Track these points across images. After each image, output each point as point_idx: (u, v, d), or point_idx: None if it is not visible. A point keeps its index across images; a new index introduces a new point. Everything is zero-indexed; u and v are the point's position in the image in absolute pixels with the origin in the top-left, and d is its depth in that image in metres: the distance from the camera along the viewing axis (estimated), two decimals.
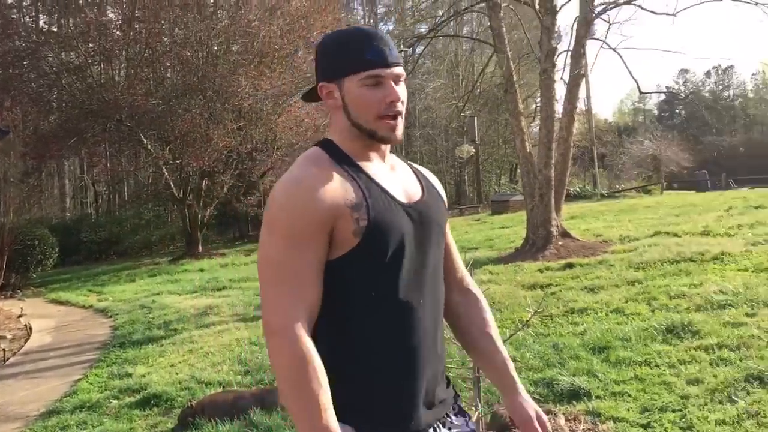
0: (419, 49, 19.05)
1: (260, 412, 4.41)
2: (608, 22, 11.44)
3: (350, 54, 1.47)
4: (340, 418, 1.33)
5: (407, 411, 1.43)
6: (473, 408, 3.04)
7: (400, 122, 1.49)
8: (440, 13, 18.57)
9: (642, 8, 11.46)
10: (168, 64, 18.01)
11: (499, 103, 27.58)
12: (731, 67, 65.67)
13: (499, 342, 1.66)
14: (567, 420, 3.69)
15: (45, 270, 15.69)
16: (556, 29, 10.72)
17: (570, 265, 8.27)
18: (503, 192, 27.10)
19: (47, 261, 15.31)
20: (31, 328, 9.07)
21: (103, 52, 17.60)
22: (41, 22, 22.79)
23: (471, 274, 1.81)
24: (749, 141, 57.39)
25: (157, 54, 17.46)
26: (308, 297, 1.38)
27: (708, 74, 67.08)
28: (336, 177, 1.42)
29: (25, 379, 6.55)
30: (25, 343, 8.33)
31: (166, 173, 17.68)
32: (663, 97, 65.09)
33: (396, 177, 1.54)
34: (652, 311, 5.78)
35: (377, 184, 1.46)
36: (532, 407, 1.59)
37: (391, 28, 34.41)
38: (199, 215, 18.47)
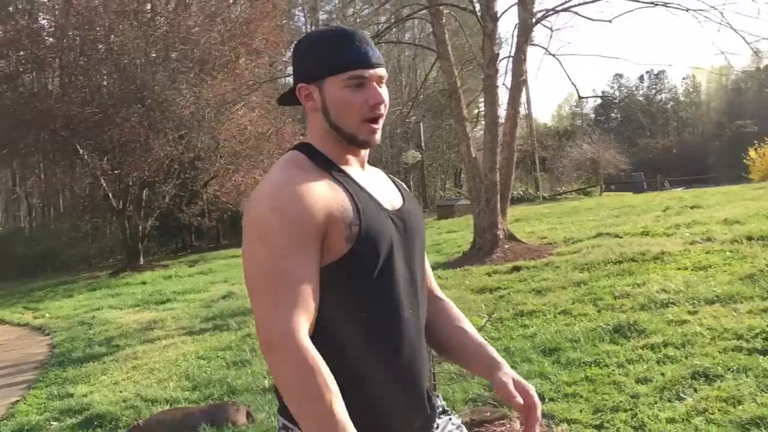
0: None
1: (210, 430, 4.29)
2: (550, 28, 11.63)
3: (332, 54, 1.40)
4: None
5: (409, 418, 1.37)
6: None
7: (380, 125, 1.44)
8: (382, 20, 18.63)
9: (579, 15, 11.70)
10: (104, 72, 17.56)
11: (443, 109, 27.85)
12: (663, 71, 68.17)
13: (474, 331, 1.59)
14: (522, 424, 3.69)
15: None
16: (498, 35, 10.88)
17: (517, 268, 8.36)
18: (449, 197, 27.36)
19: None
20: None
21: (36, 60, 17.05)
22: None
23: None
24: (682, 143, 59.64)
25: (92, 61, 17.03)
26: (308, 305, 1.28)
27: (641, 78, 69.44)
28: (324, 180, 1.36)
29: None
30: None
31: (104, 184, 17.21)
32: (599, 101, 66.98)
33: (376, 183, 1.49)
34: (599, 311, 5.88)
35: (363, 190, 1.41)
36: (509, 375, 1.48)
37: None
38: (140, 226, 18.03)
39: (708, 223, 9.22)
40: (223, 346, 6.84)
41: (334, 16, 36.18)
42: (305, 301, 1.28)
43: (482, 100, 12.25)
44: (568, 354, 4.83)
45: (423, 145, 27.66)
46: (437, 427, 1.49)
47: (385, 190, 1.50)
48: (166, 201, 18.28)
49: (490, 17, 10.32)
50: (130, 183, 17.57)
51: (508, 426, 3.65)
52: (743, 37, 9.72)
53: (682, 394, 3.83)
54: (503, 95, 11.04)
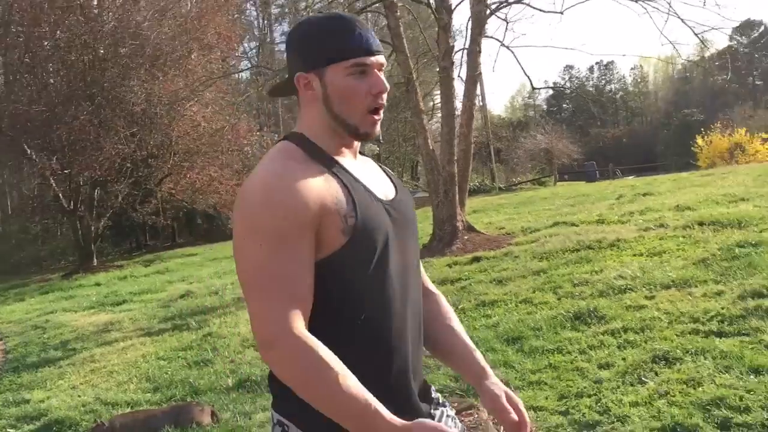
0: None
1: (174, 431, 4.22)
2: (505, 20, 11.72)
3: (333, 41, 1.36)
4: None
5: (405, 410, 1.34)
6: None
7: (381, 116, 1.42)
8: None
9: (530, 6, 11.83)
10: (51, 69, 17.07)
11: (398, 102, 27.91)
12: (612, 62, 69.44)
13: (462, 332, 1.58)
14: (489, 414, 3.73)
15: None
16: (453, 28, 10.93)
17: (477, 259, 8.43)
18: None
19: None
20: None
21: None
22: None
23: None
24: (631, 132, 60.93)
25: (38, 59, 16.53)
26: (303, 300, 1.26)
27: (591, 69, 70.59)
28: (317, 172, 1.32)
29: None
30: None
31: (54, 184, 16.75)
32: (551, 92, 67.95)
33: (369, 173, 1.46)
34: (559, 299, 5.97)
35: (358, 181, 1.38)
36: (500, 388, 1.48)
37: (285, 29, 34.09)
38: (93, 227, 17.61)
39: (660, 209, 9.43)
40: (184, 346, 6.73)
41: (287, 10, 35.87)
42: (300, 297, 1.26)
43: (437, 92, 12.29)
44: (531, 342, 4.90)
45: (380, 138, 27.69)
46: (433, 419, 1.47)
47: (378, 181, 1.47)
48: (119, 200, 17.89)
49: (444, 9, 10.36)
50: (81, 182, 17.14)
51: (476, 416, 3.68)
52: (691, 27, 9.97)
53: (643, 378, 3.91)
54: (459, 87, 11.11)
